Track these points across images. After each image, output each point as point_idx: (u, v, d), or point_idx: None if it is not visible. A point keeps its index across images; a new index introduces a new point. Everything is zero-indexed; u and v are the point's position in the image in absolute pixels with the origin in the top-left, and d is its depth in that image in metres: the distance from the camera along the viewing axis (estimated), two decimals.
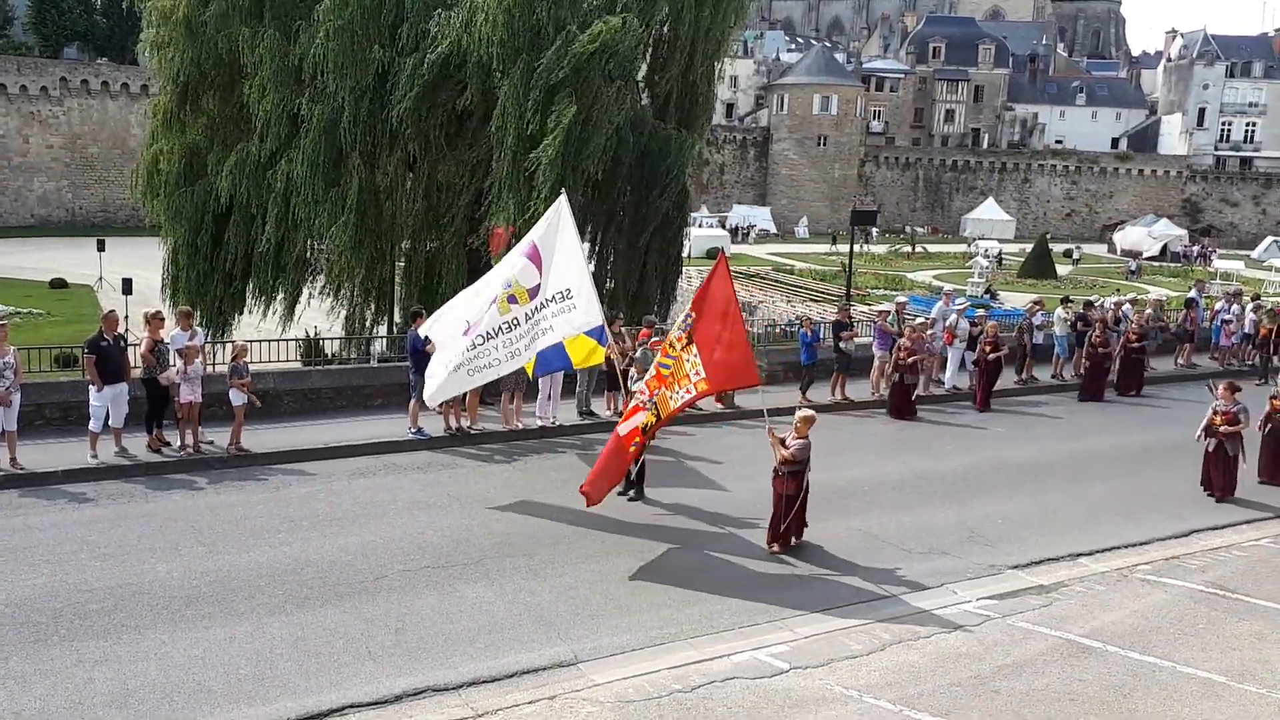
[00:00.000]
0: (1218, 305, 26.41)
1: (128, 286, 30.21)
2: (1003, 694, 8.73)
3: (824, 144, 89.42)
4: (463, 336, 13.29)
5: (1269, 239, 77.73)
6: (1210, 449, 14.64)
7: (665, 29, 22.48)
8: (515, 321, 13.10)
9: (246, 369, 14.88)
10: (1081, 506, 13.93)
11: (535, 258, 13.14)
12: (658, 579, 10.96)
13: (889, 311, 21.16)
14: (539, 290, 13.07)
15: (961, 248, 71.85)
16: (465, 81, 20.49)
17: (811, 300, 46.55)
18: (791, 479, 11.77)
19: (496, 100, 20.27)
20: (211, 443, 14.69)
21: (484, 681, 8.65)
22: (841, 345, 19.82)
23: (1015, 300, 43.29)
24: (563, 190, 14.20)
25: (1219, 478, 14.62)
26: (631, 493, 13.43)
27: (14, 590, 9.94)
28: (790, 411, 18.51)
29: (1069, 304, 23.49)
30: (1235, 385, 14.83)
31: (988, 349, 19.98)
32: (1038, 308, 23.11)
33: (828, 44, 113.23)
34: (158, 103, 23.59)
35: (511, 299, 13.08)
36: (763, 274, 56.78)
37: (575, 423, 17.25)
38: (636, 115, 21.83)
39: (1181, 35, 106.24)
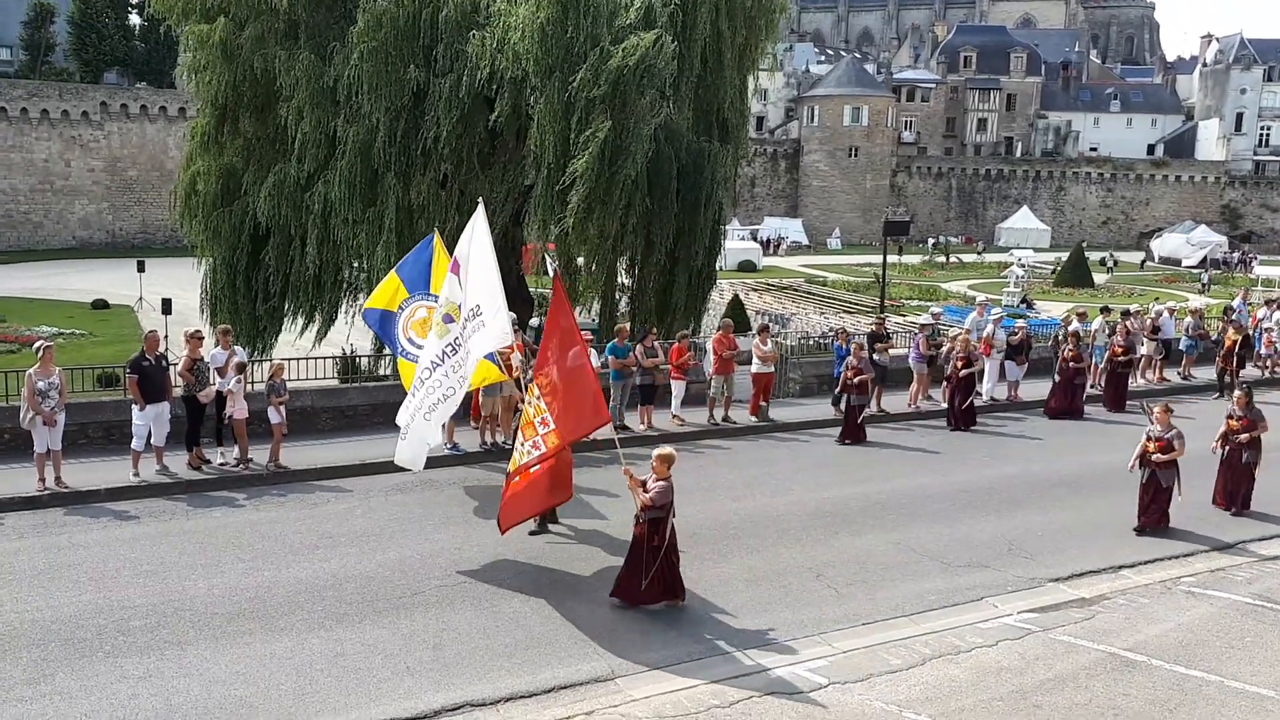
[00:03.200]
0: (1259, 313, 26.02)
1: (167, 306, 30.62)
2: (1045, 709, 8.61)
3: (855, 155, 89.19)
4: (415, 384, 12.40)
5: None
6: (1143, 480, 13.23)
7: (698, 43, 22.51)
8: (458, 341, 11.97)
9: (284, 386, 15.04)
10: (1122, 518, 13.71)
11: (458, 273, 12.22)
12: (691, 594, 10.92)
13: (930, 326, 21.06)
14: (462, 308, 12.07)
15: (997, 257, 71.24)
16: (499, 99, 20.63)
17: (845, 312, 46.34)
18: (652, 528, 10.21)
19: (531, 117, 20.39)
20: (251, 460, 14.86)
21: (521, 697, 8.66)
22: (876, 357, 19.72)
23: (1053, 310, 42.86)
24: (480, 201, 13.10)
25: (1147, 509, 13.22)
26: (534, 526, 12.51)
27: (60, 607, 10.09)
28: (825, 425, 18.63)
29: (1108, 313, 23.27)
30: (1169, 408, 13.44)
31: (960, 365, 18.93)
32: (1075, 317, 22.91)
33: (858, 55, 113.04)
34: (195, 125, 23.93)
35: (448, 318, 12.12)
36: (795, 286, 56.65)
37: (608, 436, 17.22)
38: (672, 129, 21.89)
39: (1217, 39, 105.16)
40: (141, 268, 40.46)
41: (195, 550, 11.74)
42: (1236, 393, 14.39)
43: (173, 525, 12.63)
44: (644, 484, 10.26)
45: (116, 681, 8.69)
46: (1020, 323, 22.40)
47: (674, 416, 18.24)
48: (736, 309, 34.65)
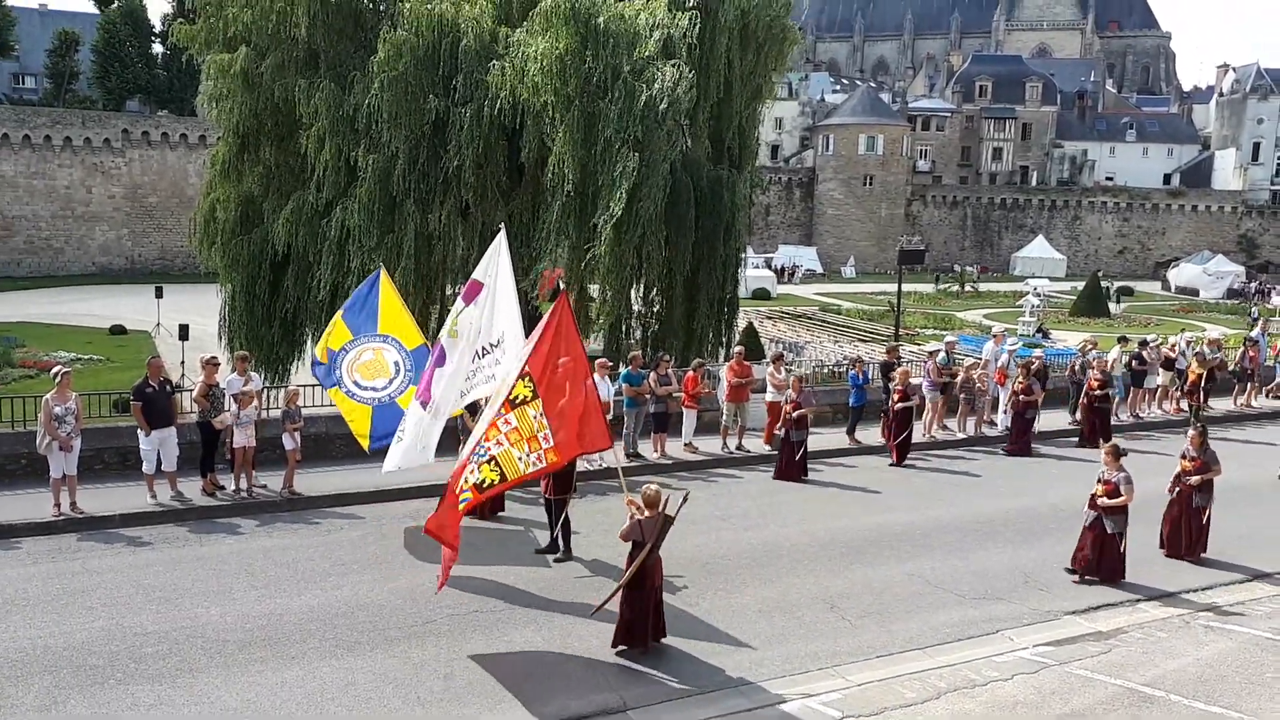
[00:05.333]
0: (1279, 343, 25.87)
1: (184, 333, 30.82)
2: None
3: (870, 184, 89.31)
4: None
5: None
6: (1087, 523, 12.51)
7: (713, 73, 22.70)
8: (478, 361, 11.87)
9: (299, 413, 15.09)
10: (1139, 551, 13.55)
11: (475, 301, 12.05)
12: (702, 625, 10.87)
13: (940, 351, 20.99)
14: (478, 336, 11.90)
15: (1012, 286, 71.04)
16: (522, 130, 20.82)
17: (859, 340, 46.25)
18: (629, 562, 10.00)
19: (550, 148, 20.56)
20: (265, 486, 14.89)
21: None
22: (891, 386, 19.64)
23: (1069, 339, 42.68)
24: (501, 228, 13.05)
25: (1092, 556, 12.42)
26: (558, 554, 12.61)
27: (72, 633, 10.10)
28: (839, 454, 18.55)
29: (1125, 343, 23.15)
30: (1119, 449, 12.61)
31: (896, 397, 18.33)
32: (1091, 346, 22.80)
33: (873, 84, 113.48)
34: (216, 153, 24.21)
35: (444, 351, 12.03)
36: (809, 314, 56.61)
37: (622, 464, 17.20)
38: (689, 158, 22.07)
39: (1234, 69, 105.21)
40: (160, 294, 40.79)
41: (208, 577, 11.75)
42: (1191, 432, 13.70)
43: (186, 551, 12.65)
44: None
45: (128, 709, 8.69)
46: (1037, 352, 22.27)
47: (686, 445, 18.21)
48: (751, 336, 34.64)
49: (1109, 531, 12.31)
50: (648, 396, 17.60)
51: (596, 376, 17.00)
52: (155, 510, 13.87)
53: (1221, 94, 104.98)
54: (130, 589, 11.30)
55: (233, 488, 14.67)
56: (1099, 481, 12.47)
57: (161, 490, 14.20)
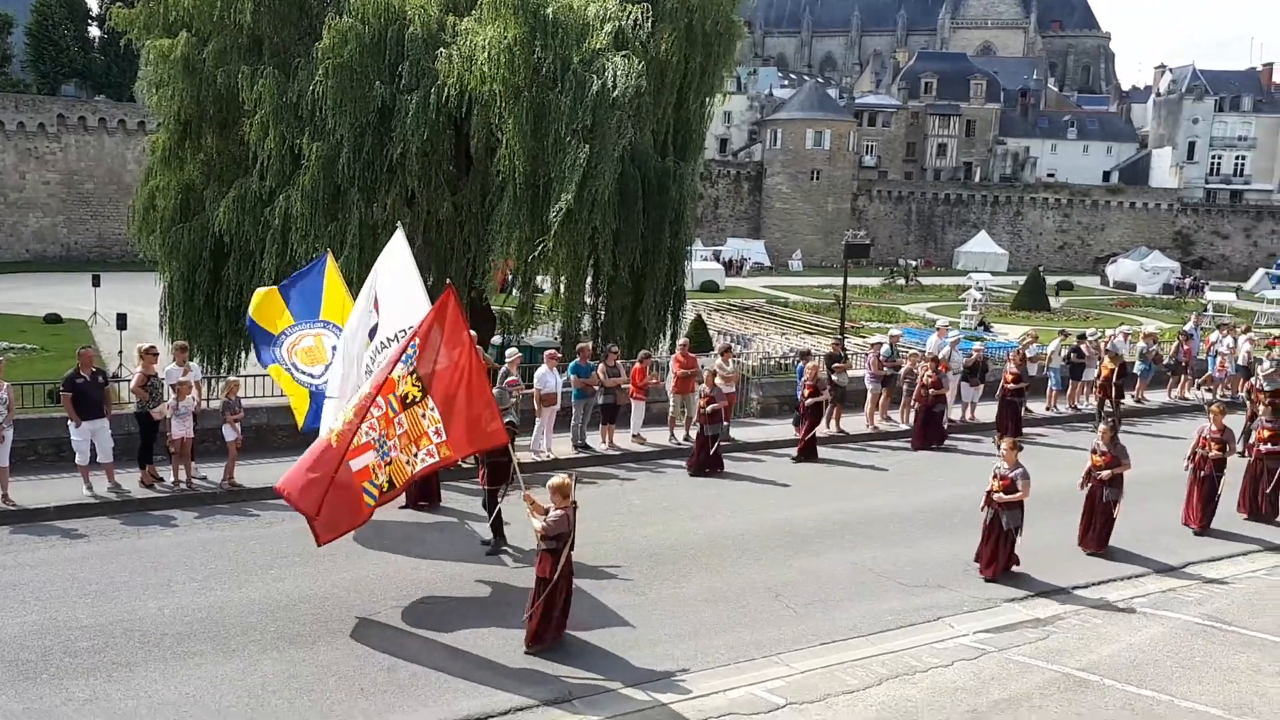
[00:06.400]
0: (1212, 337, 26.52)
1: (122, 322, 30.15)
2: None
3: (817, 178, 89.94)
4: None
5: (1260, 271, 78.18)
6: (986, 520, 12.44)
7: (660, 65, 22.72)
8: (368, 368, 11.54)
9: (239, 404, 14.88)
10: (1075, 539, 13.85)
11: (373, 297, 11.76)
12: (650, 614, 10.90)
13: (884, 344, 21.24)
14: (375, 331, 11.65)
15: (956, 280, 72.04)
16: (469, 119, 20.64)
17: (805, 333, 46.62)
18: (548, 559, 9.75)
19: (499, 138, 20.41)
20: (204, 478, 14.66)
21: (474, 719, 8.58)
22: (835, 378, 19.86)
23: (1010, 333, 43.38)
24: (400, 225, 12.71)
25: (988, 552, 12.42)
26: (490, 545, 12.57)
27: (3, 628, 9.86)
28: (786, 445, 18.69)
29: (1065, 336, 23.60)
30: (1018, 444, 12.59)
31: (806, 392, 18.17)
32: (1032, 340, 23.23)
33: (820, 80, 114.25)
34: (156, 140, 23.70)
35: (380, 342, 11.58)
36: (757, 306, 56.94)
37: (570, 455, 17.22)
38: (637, 149, 22.07)
39: (1170, 70, 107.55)
40: (97, 282, 39.85)
41: (146, 570, 11.54)
42: (1101, 427, 13.86)
43: (123, 544, 12.41)
44: (546, 512, 9.68)
45: (61, 704, 8.51)
46: (977, 345, 22.61)
47: (635, 436, 18.25)
48: (699, 329, 34.78)
49: (1004, 527, 12.24)
50: (596, 388, 17.60)
51: (544, 368, 17.07)
52: (91, 502, 13.59)
53: (1159, 94, 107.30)
54: (64, 582, 11.06)
55: (171, 479, 14.41)
56: (995, 477, 12.33)
57: (98, 482, 13.91)
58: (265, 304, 13.71)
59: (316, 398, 13.05)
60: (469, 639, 10.05)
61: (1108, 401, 21.56)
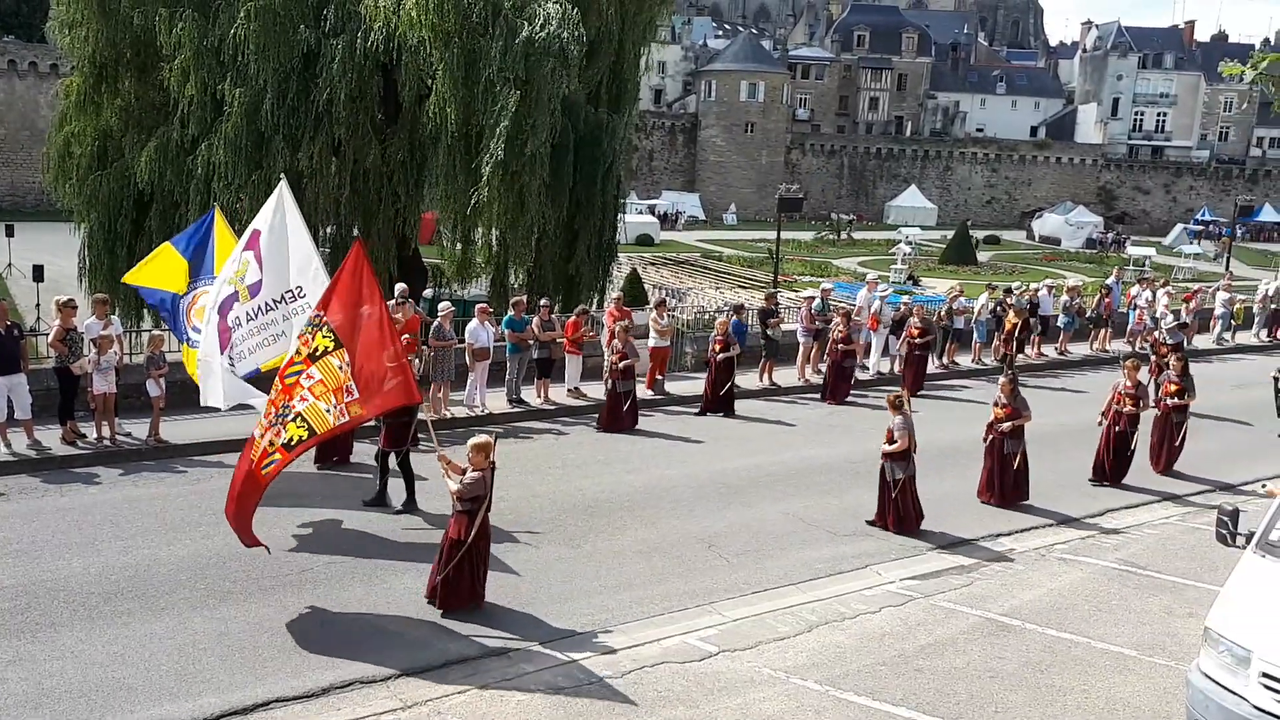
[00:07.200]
0: (1133, 291, 27.24)
1: (39, 274, 29.20)
2: (926, 672, 8.94)
3: (751, 131, 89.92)
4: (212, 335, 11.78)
5: (1179, 226, 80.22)
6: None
7: (592, 13, 22.42)
8: (238, 321, 11.55)
9: (163, 359, 14.54)
10: (964, 493, 14.10)
11: (256, 251, 11.49)
12: (585, 566, 10.99)
13: (815, 298, 21.46)
14: (260, 287, 11.40)
15: (886, 234, 72.84)
16: (398, 66, 20.21)
17: (739, 287, 46.87)
18: (463, 519, 9.48)
19: (429, 85, 20.01)
20: (129, 435, 14.34)
21: (413, 673, 8.59)
22: (769, 332, 20.04)
23: (938, 287, 44.10)
24: (283, 176, 12.44)
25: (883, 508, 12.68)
26: (391, 507, 12.32)
27: None
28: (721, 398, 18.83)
29: (993, 290, 24.06)
30: (900, 401, 12.53)
31: (717, 347, 18.11)
32: (958, 294, 23.64)
33: (754, 31, 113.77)
34: (69, 83, 22.84)
35: (234, 296, 11.53)
36: (692, 260, 57.03)
37: (505, 410, 17.17)
38: (571, 100, 21.80)
39: (1096, 27, 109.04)
40: (10, 232, 38.43)
41: (69, 529, 11.29)
42: (1001, 379, 13.95)
43: (45, 502, 12.12)
44: (463, 473, 9.43)
45: None
46: (905, 299, 22.95)
47: (571, 390, 18.24)
48: (634, 283, 34.71)
49: (886, 478, 12.47)
50: (530, 342, 17.53)
51: (475, 322, 16.94)
52: (9, 460, 13.22)
53: (1085, 50, 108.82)
54: None
55: (94, 436, 14.07)
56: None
57: (16, 439, 13.53)
58: (162, 265, 13.36)
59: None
60: (402, 595, 10.03)
61: (1010, 355, 21.98)
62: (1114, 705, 8.52)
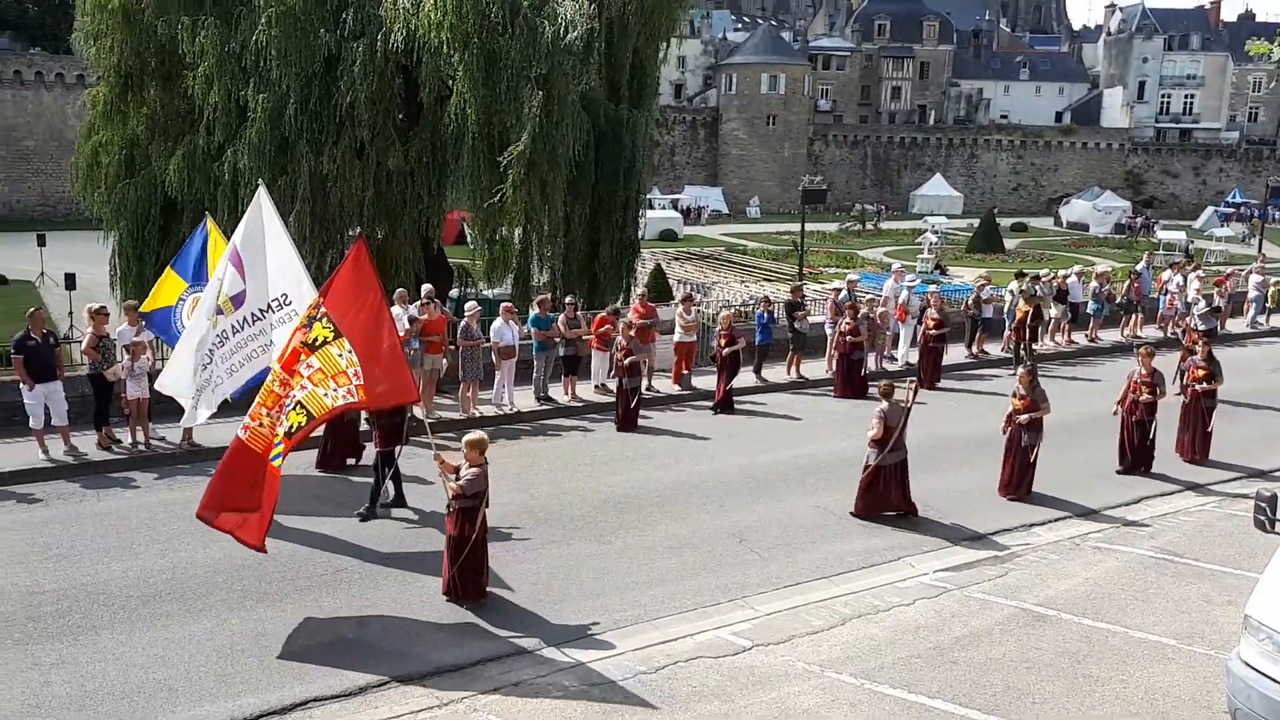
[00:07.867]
0: (1164, 276, 26.92)
1: (71, 282, 29.54)
2: (961, 664, 8.89)
3: (773, 123, 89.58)
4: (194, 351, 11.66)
5: (1209, 209, 79.26)
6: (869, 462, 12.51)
7: (611, 8, 22.40)
8: (224, 335, 11.29)
9: None
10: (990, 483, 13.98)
11: (237, 262, 11.30)
12: (617, 561, 11.01)
13: (841, 289, 21.36)
14: (244, 298, 11.21)
15: (912, 224, 72.38)
16: (418, 67, 20.28)
17: (765, 280, 46.74)
18: (463, 517, 9.59)
19: (450, 86, 20.07)
20: (163, 439, 14.50)
21: (448, 670, 8.65)
22: (796, 325, 19.98)
23: (965, 275, 43.78)
24: (260, 183, 12.24)
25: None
26: (364, 510, 12.15)
27: None
28: (746, 392, 18.81)
29: (1023, 278, 23.83)
30: (891, 389, 12.46)
31: (723, 342, 17.64)
32: (985, 282, 23.45)
33: (774, 22, 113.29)
34: (96, 94, 23.07)
35: (218, 310, 11.33)
36: (716, 254, 56.93)
37: (533, 409, 17.22)
38: (590, 97, 21.81)
39: (1120, 9, 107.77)
40: (42, 242, 38.98)
41: (107, 533, 11.43)
42: (1020, 370, 13.74)
43: (83, 507, 12.28)
44: (457, 470, 9.56)
45: (28, 669, 8.46)
46: (933, 289, 22.79)
47: (598, 387, 18.26)
48: (659, 278, 34.75)
49: (869, 463, 12.36)
50: (557, 340, 17.57)
51: (500, 321, 16.98)
52: (48, 466, 13.40)
53: (1109, 33, 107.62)
54: (24, 547, 10.94)
55: (129, 441, 14.24)
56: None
57: (54, 445, 13.71)
58: (170, 290, 13.63)
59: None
60: (436, 595, 10.06)
61: (1027, 344, 21.54)
62: (1153, 695, 8.44)
